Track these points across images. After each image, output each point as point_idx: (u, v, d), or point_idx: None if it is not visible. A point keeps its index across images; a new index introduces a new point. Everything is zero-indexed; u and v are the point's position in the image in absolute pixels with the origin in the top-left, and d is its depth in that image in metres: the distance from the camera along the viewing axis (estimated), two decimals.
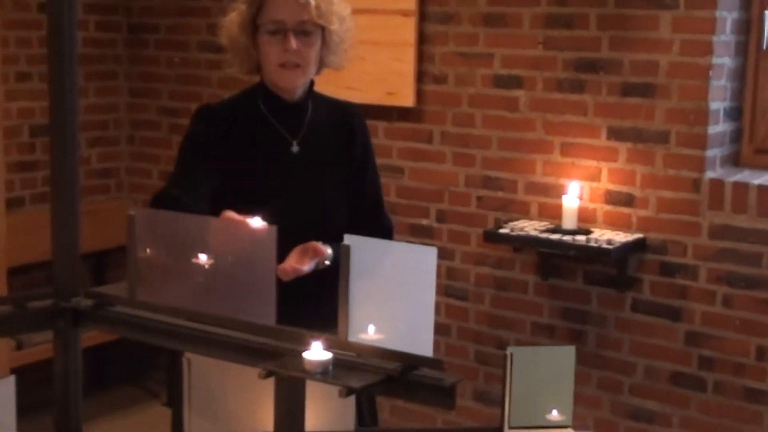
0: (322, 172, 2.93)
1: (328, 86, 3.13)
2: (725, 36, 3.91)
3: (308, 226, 2.73)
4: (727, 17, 3.91)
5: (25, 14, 5.00)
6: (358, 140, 3.01)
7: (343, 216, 2.90)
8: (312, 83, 2.93)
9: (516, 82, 4.29)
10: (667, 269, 4.02)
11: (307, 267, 2.63)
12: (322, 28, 2.80)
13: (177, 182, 2.79)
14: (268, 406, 1.85)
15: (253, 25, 2.80)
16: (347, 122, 3.00)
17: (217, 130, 2.84)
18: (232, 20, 2.84)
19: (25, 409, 2.06)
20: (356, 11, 4.31)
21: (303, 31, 2.77)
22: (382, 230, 3.00)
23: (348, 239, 1.83)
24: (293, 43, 2.75)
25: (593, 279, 4.19)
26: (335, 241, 2.33)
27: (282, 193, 2.82)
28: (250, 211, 2.23)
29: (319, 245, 2.67)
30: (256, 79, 2.96)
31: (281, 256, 2.46)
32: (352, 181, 2.97)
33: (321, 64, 2.88)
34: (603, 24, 4.06)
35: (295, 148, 2.88)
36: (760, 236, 3.81)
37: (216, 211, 2.54)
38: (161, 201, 2.70)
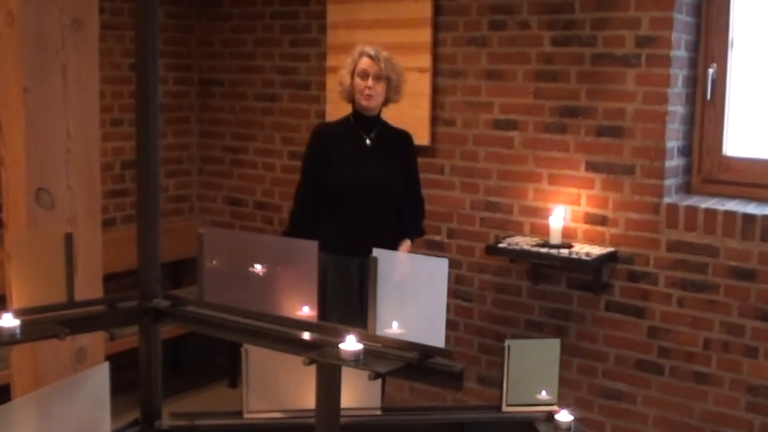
0: (385, 156, 3.89)
1: None
2: (678, 89, 3.90)
3: (374, 188, 3.84)
4: (679, 74, 3.89)
5: (118, 72, 5.02)
6: (409, 152, 4.01)
7: (398, 183, 3.91)
8: (380, 112, 3.92)
9: (512, 125, 4.28)
10: (633, 276, 3.99)
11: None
12: (387, 78, 3.82)
13: (305, 193, 3.92)
14: (310, 387, 1.84)
15: (352, 74, 3.83)
16: (403, 141, 3.99)
17: (325, 138, 3.94)
18: (343, 74, 3.88)
19: (117, 387, 2.06)
20: None
21: (377, 77, 3.81)
22: (419, 202, 4.07)
23: (376, 252, 1.82)
24: (371, 82, 3.81)
25: (574, 284, 4.16)
26: (391, 195, 3.88)
27: (360, 167, 3.85)
28: (341, 180, 3.80)
29: (405, 245, 3.93)
30: (342, 111, 4.03)
31: (357, 208, 3.80)
32: (406, 175, 3.96)
33: (387, 99, 3.89)
34: (581, 78, 4.05)
35: (368, 141, 3.88)
36: (707, 250, 3.79)
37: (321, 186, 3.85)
38: (292, 233, 3.76)
